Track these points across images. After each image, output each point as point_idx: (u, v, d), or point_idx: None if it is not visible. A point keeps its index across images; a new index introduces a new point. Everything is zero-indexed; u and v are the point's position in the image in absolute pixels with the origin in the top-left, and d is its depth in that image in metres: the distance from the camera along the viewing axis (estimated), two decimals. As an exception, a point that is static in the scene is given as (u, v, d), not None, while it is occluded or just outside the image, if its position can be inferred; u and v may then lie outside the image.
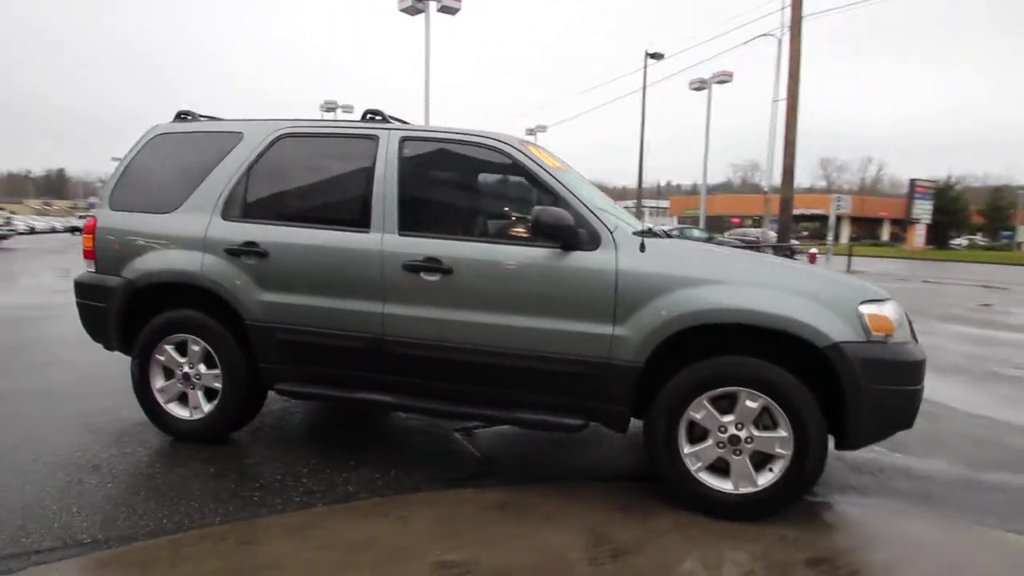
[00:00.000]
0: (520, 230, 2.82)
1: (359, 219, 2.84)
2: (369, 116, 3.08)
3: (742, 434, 2.40)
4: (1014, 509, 2.66)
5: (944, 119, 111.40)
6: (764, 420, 2.40)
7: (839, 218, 39.57)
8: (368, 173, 2.87)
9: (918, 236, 31.39)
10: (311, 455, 2.98)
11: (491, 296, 2.63)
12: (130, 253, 3.10)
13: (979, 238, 33.24)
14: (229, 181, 3.03)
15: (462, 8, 16.97)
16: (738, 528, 2.36)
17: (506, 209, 2.97)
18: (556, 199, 2.64)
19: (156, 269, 3.03)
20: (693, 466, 2.46)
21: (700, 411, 2.43)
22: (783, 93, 18.98)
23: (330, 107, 29.62)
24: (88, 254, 3.22)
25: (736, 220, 40.62)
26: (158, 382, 3.09)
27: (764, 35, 19.89)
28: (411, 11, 16.99)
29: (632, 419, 2.62)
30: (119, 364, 4.44)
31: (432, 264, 2.66)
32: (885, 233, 41.63)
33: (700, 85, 22.93)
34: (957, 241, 34.49)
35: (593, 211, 2.60)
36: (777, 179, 20.75)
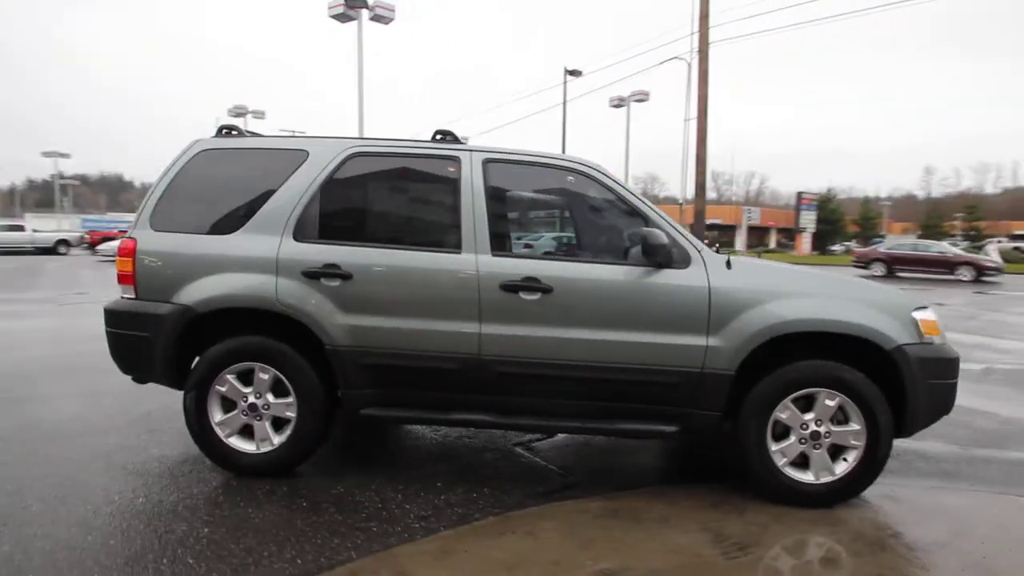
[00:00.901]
0: (607, 250, 2.96)
1: (448, 240, 2.86)
2: (440, 136, 3.10)
3: (822, 430, 2.70)
4: (1010, 477, 3.19)
5: (818, 136, 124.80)
6: (838, 416, 2.72)
7: (734, 227, 43.34)
8: (454, 194, 2.89)
9: (805, 243, 35.02)
10: (392, 479, 2.92)
11: (590, 313, 2.75)
12: (183, 277, 2.89)
13: (854, 244, 37.70)
14: (299, 200, 2.92)
15: (395, 18, 16.77)
16: (824, 514, 2.65)
17: (595, 230, 3.09)
18: (647, 220, 2.82)
19: (222, 294, 2.84)
20: (779, 462, 2.72)
21: (785, 411, 2.71)
22: (694, 112, 20.65)
23: (239, 112, 27.85)
24: (125, 279, 2.95)
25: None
26: (217, 415, 2.89)
27: (675, 58, 21.40)
28: (342, 18, 16.50)
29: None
30: (109, 395, 4.07)
31: (531, 284, 2.73)
32: (772, 241, 45.98)
33: (619, 103, 24.27)
34: (835, 247, 38.87)
35: (681, 232, 2.81)
36: (690, 192, 22.29)
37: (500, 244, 2.82)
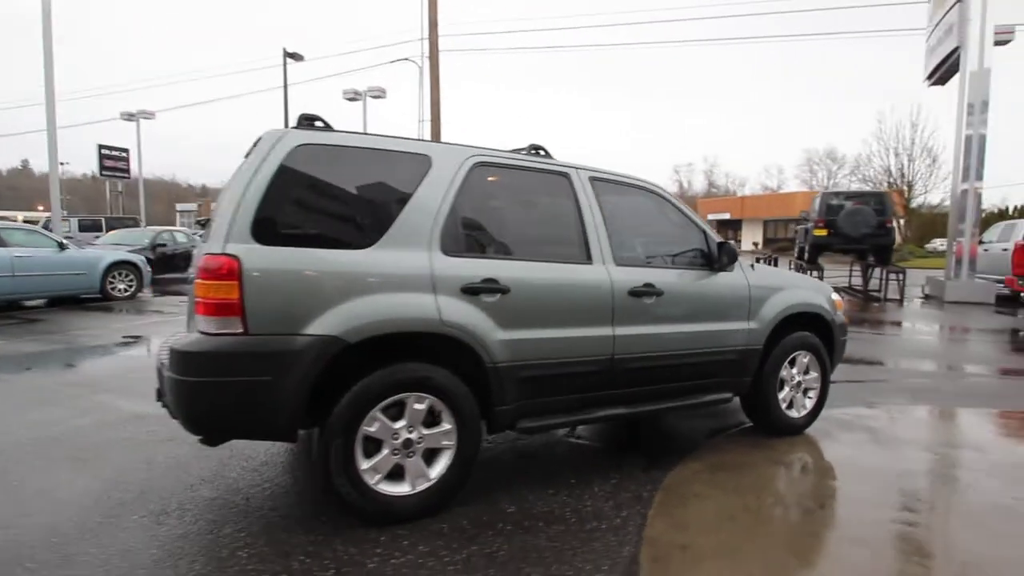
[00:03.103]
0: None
1: (578, 253, 3.04)
2: (533, 151, 3.20)
3: (800, 379, 3.88)
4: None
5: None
6: (809, 366, 3.92)
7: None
8: (575, 209, 3.08)
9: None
10: (542, 489, 2.95)
11: (685, 310, 3.34)
12: (318, 302, 2.36)
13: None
14: (440, 211, 2.68)
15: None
16: (798, 438, 3.85)
17: (667, 241, 3.57)
18: (704, 235, 3.54)
19: (380, 319, 2.43)
20: (783, 405, 3.81)
21: (785, 370, 3.81)
22: (427, 114, 21.70)
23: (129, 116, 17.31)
24: (226, 309, 2.23)
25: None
26: (362, 461, 2.47)
27: (405, 59, 21.98)
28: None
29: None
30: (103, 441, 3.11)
31: (649, 289, 3.17)
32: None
33: (354, 96, 23.49)
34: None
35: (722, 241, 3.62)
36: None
37: (617, 255, 3.16)
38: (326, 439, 2.38)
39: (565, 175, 3.13)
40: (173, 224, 44.07)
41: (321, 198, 2.54)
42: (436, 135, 21.02)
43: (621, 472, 3.20)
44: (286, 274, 2.33)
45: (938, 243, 34.29)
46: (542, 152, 3.23)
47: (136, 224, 21.20)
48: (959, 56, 11.66)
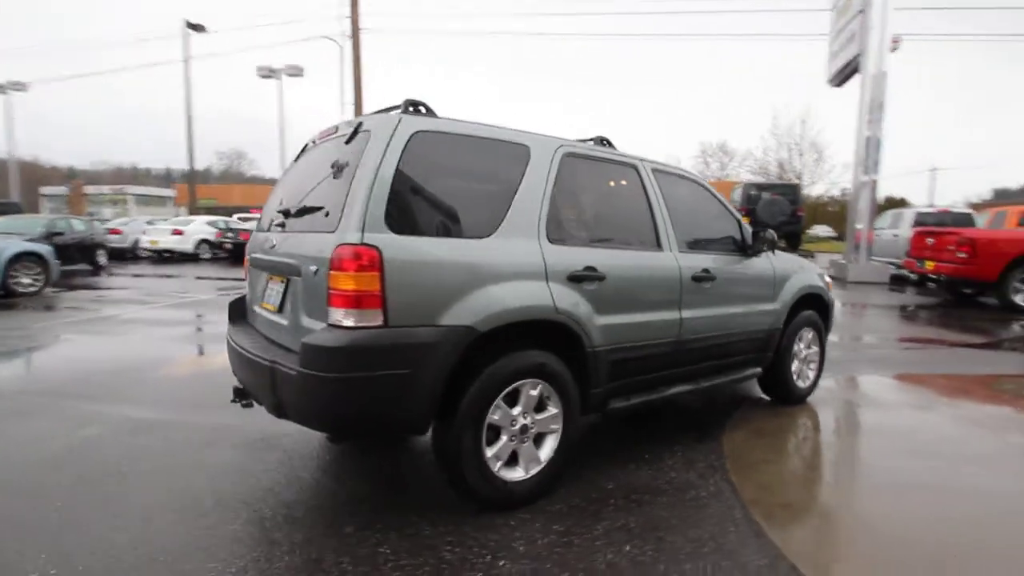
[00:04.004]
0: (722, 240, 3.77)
1: (651, 240, 3.20)
2: (601, 142, 3.31)
3: (807, 353, 4.32)
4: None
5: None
6: (813, 341, 4.37)
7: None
8: (645, 198, 3.23)
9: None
10: (638, 456, 3.10)
11: (731, 293, 3.61)
12: (452, 292, 2.33)
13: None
14: (542, 200, 2.71)
15: None
16: (803, 405, 4.30)
17: (709, 228, 3.77)
18: (739, 224, 3.82)
19: (508, 308, 2.44)
20: (795, 377, 4.22)
21: (796, 345, 4.21)
22: (348, 95, 20.79)
23: None
24: (367, 300, 2.16)
25: (256, 212, 39.89)
26: (487, 449, 2.49)
27: (324, 37, 20.83)
28: None
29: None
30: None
31: (706, 274, 3.39)
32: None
33: (269, 73, 21.81)
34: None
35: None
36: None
37: (680, 243, 3.35)
38: (457, 429, 2.37)
39: (634, 166, 3.27)
40: (37, 210, 39.02)
41: (440, 186, 2.49)
42: (359, 113, 20.26)
43: (680, 445, 3.41)
44: (422, 264, 2.28)
45: (819, 229, 38.20)
46: (607, 143, 3.33)
47: (19, 209, 18.66)
48: (860, 61, 13.07)
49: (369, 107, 20.63)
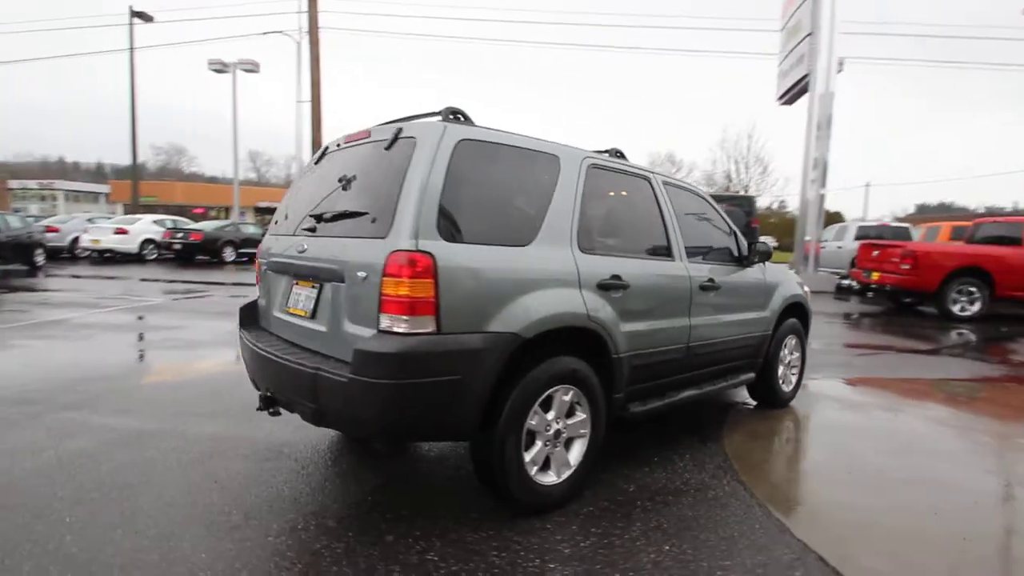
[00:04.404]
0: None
1: (664, 250, 3.32)
2: (615, 154, 3.41)
3: (791, 359, 4.56)
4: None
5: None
6: (795, 347, 4.62)
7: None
8: (658, 209, 3.35)
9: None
10: (648, 459, 3.19)
11: (732, 301, 3.78)
12: (499, 299, 2.37)
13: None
14: (573, 209, 2.79)
15: None
16: (780, 411, 4.55)
17: (709, 238, 3.92)
18: (735, 235, 4.01)
19: (548, 315, 2.49)
20: (781, 381, 4.45)
21: (782, 351, 4.45)
22: (304, 93, 20.25)
23: None
24: (421, 307, 2.17)
25: (200, 211, 38.27)
26: (524, 454, 2.53)
27: (279, 32, 20.22)
28: None
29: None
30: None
31: (711, 283, 3.55)
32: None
33: (221, 68, 20.88)
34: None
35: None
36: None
37: (688, 252, 3.49)
38: (501, 435, 2.40)
39: (647, 178, 3.39)
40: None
41: (484, 195, 2.52)
42: (317, 117, 19.84)
43: (685, 448, 3.55)
44: (472, 271, 2.31)
45: (762, 239, 40.00)
46: (620, 155, 3.45)
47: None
48: (808, 81, 13.86)
49: (328, 107, 20.23)
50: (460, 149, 2.43)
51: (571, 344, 2.71)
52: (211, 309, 9.18)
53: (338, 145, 2.99)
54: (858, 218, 33.27)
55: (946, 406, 4.82)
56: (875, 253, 10.86)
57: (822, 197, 14.05)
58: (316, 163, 3.11)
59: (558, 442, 2.67)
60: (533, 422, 2.54)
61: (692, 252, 3.56)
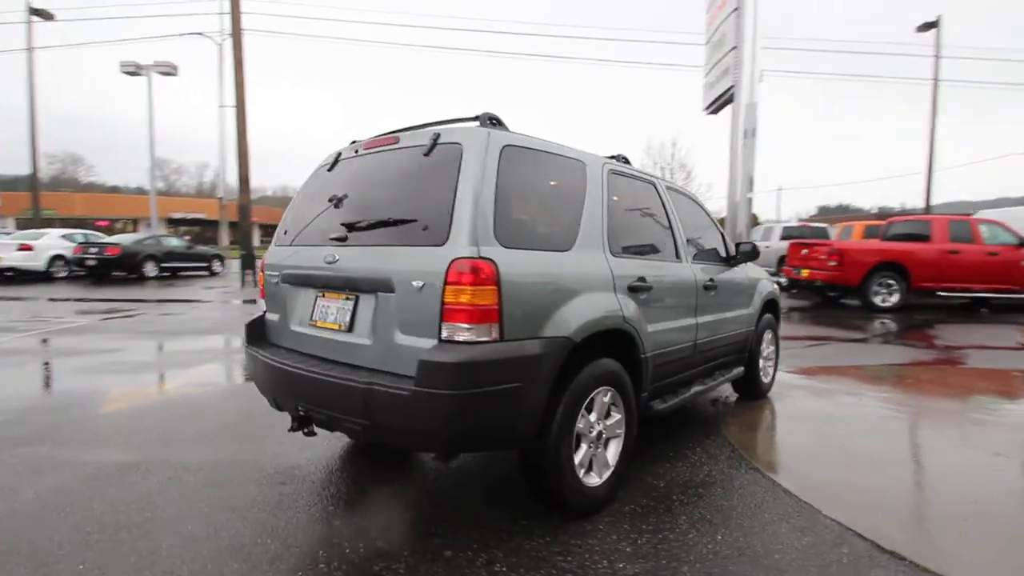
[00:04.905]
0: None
1: (673, 252, 3.44)
2: (621, 160, 3.50)
3: (768, 352, 4.84)
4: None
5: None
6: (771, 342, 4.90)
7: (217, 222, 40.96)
8: (665, 213, 3.47)
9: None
10: (663, 455, 3.27)
11: (726, 300, 3.96)
12: (552, 304, 2.37)
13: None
14: (602, 214, 2.83)
15: None
16: (761, 401, 4.83)
17: (702, 240, 4.07)
18: (723, 237, 4.21)
19: (594, 318, 2.52)
20: (761, 373, 4.70)
21: (763, 344, 4.71)
22: (227, 98, 19.20)
23: None
24: (484, 315, 2.14)
25: (104, 223, 35.28)
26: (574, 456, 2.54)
27: (199, 34, 19.04)
28: None
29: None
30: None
31: (711, 283, 3.71)
32: (256, 238, 46.07)
33: (135, 70, 19.23)
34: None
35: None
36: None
37: (691, 254, 3.63)
38: (555, 440, 2.40)
39: (652, 183, 3.50)
40: None
41: (529, 201, 2.52)
42: (242, 122, 18.89)
43: (693, 441, 3.68)
44: (530, 277, 2.30)
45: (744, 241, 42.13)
46: (626, 161, 3.54)
47: None
48: (734, 92, 14.73)
49: (252, 110, 19.26)
50: (505, 155, 2.42)
51: (606, 346, 2.75)
52: (146, 328, 8.50)
53: (355, 151, 2.88)
54: (774, 219, 35.65)
55: (899, 389, 5.27)
56: (804, 252, 11.70)
57: (750, 200, 14.95)
58: (329, 170, 2.98)
59: (600, 443, 2.70)
60: (580, 425, 2.55)
61: (693, 254, 3.71)
